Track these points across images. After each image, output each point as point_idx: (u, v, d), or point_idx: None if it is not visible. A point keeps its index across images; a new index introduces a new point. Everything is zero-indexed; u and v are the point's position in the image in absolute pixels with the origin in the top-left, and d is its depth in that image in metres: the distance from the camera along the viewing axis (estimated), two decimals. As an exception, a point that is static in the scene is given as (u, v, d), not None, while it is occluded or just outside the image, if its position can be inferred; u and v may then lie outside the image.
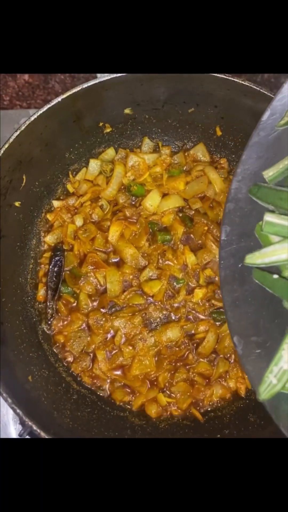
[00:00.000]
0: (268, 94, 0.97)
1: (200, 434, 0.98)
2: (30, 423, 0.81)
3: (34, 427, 0.81)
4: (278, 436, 0.88)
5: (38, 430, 0.81)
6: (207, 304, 1.08)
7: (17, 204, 1.06)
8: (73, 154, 1.14)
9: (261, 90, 0.97)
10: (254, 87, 0.99)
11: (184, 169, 1.16)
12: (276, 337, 0.68)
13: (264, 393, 0.68)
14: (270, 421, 0.94)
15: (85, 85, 0.98)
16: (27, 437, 1.13)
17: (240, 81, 0.99)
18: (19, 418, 1.10)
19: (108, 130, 1.14)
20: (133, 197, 1.14)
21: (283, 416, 0.70)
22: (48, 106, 0.98)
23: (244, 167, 0.73)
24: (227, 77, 1.00)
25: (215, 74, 1.01)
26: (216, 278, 1.10)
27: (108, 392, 1.04)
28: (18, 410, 0.82)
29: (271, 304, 0.70)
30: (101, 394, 1.04)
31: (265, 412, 0.95)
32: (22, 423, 1.13)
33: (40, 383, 0.98)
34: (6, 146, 0.95)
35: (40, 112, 0.97)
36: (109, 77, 0.99)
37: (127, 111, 1.11)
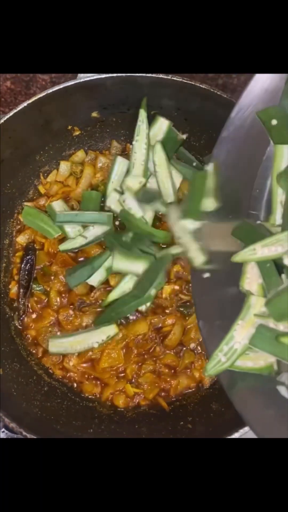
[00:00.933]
0: (225, 96, 1.03)
1: (165, 421, 1.03)
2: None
3: (1, 414, 0.85)
4: (234, 421, 0.93)
5: (4, 417, 0.85)
6: (175, 298, 1.13)
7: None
8: (44, 156, 1.19)
9: (217, 92, 1.02)
10: (212, 90, 1.04)
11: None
12: None
13: (212, 369, 0.73)
14: (230, 408, 0.99)
15: (49, 91, 1.03)
16: (3, 429, 1.18)
17: (198, 84, 1.04)
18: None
19: (77, 133, 1.19)
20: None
21: (236, 393, 0.75)
22: (15, 110, 1.03)
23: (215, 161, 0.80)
24: (186, 81, 1.05)
25: (175, 79, 1.06)
26: (185, 273, 1.15)
27: (78, 384, 1.09)
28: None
29: (237, 291, 0.75)
30: (71, 386, 1.09)
31: (226, 400, 1.01)
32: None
33: (11, 376, 1.03)
34: (-24, 150, 0.99)
35: (7, 116, 1.02)
36: (73, 82, 1.04)
37: (94, 114, 1.16)
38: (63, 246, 1.11)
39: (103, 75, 1.06)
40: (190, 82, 1.05)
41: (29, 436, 0.86)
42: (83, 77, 1.06)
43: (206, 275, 0.80)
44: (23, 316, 1.12)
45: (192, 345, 1.10)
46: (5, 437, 1.16)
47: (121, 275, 1.07)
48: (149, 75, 1.06)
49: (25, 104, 1.03)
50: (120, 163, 1.12)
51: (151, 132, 1.12)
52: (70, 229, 1.11)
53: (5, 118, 1.02)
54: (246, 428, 0.86)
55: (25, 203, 1.18)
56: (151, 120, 1.12)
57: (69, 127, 1.18)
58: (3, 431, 1.18)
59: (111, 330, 1.04)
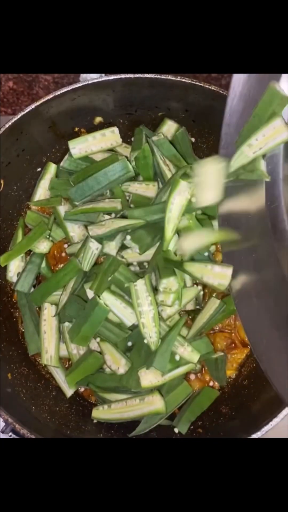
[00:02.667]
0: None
1: (174, 425, 1.02)
2: (6, 416, 0.84)
3: (10, 420, 0.84)
4: (245, 425, 0.92)
5: (14, 423, 0.85)
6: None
7: (-5, 208, 1.10)
8: (50, 158, 1.18)
9: (226, 93, 1.01)
10: (220, 91, 1.03)
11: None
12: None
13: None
14: (240, 411, 0.98)
15: (57, 92, 1.02)
16: (10, 434, 1.17)
17: (207, 86, 1.04)
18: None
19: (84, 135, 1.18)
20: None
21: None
22: (22, 113, 1.02)
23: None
24: (195, 83, 1.05)
25: (184, 80, 1.05)
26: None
27: (85, 388, 1.08)
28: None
29: None
30: (79, 390, 1.08)
31: (236, 403, 1.00)
32: (4, 420, 1.16)
33: (20, 380, 1.02)
34: (-17, 151, 0.99)
35: (15, 119, 1.01)
36: (80, 84, 1.04)
37: (98, 119, 1.16)
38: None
39: (111, 77, 1.05)
40: (199, 84, 1.05)
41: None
42: (90, 79, 1.06)
43: None
44: (31, 319, 1.11)
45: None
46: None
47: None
48: (157, 76, 1.05)
49: (32, 106, 1.02)
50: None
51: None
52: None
53: (12, 121, 1.01)
54: (259, 433, 0.86)
55: (30, 205, 1.16)
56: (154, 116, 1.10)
57: (76, 129, 1.17)
58: (10, 435, 1.18)
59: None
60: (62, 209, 1.11)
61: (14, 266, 1.12)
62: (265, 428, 0.85)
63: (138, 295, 0.98)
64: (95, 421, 1.00)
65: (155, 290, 1.01)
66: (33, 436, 0.85)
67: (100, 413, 1.00)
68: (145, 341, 1.00)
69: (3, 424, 1.17)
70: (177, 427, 1.00)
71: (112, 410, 1.00)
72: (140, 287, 0.97)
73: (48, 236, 1.11)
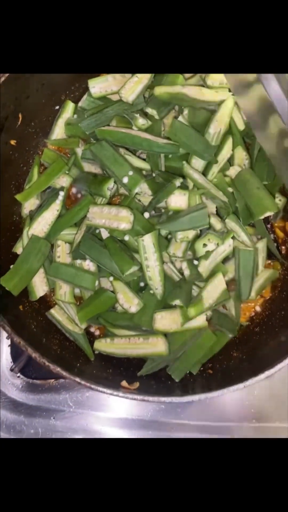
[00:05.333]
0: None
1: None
2: (18, 338, 0.84)
3: (23, 343, 0.84)
4: (254, 367, 0.92)
5: (28, 348, 0.84)
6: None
7: (12, 142, 1.08)
8: (69, 97, 1.15)
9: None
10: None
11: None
12: None
13: None
14: (249, 356, 0.98)
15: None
16: (18, 374, 1.17)
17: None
18: (10, 346, 1.14)
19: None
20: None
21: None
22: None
23: None
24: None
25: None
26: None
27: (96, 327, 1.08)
28: (7, 328, 0.84)
29: None
30: (91, 330, 1.08)
31: (248, 349, 0.99)
32: (13, 357, 1.17)
33: (31, 314, 1.01)
34: (3, 79, 0.96)
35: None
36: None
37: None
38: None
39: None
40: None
41: (51, 366, 0.84)
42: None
43: None
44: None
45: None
46: (20, 382, 1.17)
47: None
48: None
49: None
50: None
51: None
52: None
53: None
54: (262, 375, 0.85)
55: (47, 143, 1.14)
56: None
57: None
58: (18, 376, 1.18)
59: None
60: (80, 151, 1.10)
61: (29, 204, 1.11)
62: (279, 365, 0.85)
63: (146, 250, 0.97)
64: (96, 352, 1.01)
65: (167, 240, 1.01)
66: (45, 361, 0.84)
67: (102, 346, 1.00)
68: (151, 292, 1.00)
69: (11, 363, 1.19)
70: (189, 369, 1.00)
71: (115, 344, 0.99)
72: (148, 242, 0.96)
73: (67, 172, 1.09)
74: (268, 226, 1.13)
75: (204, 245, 0.96)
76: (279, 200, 1.10)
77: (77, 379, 0.82)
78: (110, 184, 1.01)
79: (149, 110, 0.98)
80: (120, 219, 0.96)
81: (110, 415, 1.13)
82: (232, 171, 1.04)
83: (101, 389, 0.82)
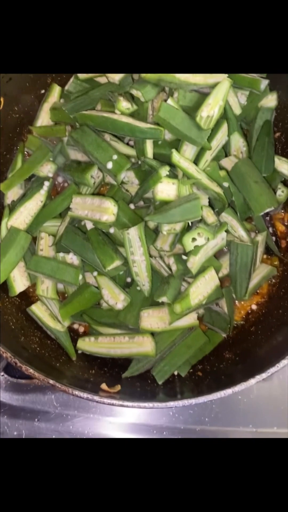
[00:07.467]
0: None
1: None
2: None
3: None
4: (249, 368, 0.85)
5: (1, 349, 0.78)
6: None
7: (-6, 128, 1.02)
8: (56, 80, 1.09)
9: None
10: None
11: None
12: None
13: None
14: (243, 357, 0.91)
15: None
16: (2, 373, 1.12)
17: None
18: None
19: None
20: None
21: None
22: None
23: None
24: None
25: None
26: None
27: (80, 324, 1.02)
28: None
29: None
30: (74, 327, 1.02)
31: (241, 349, 0.93)
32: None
33: (10, 310, 0.96)
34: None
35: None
36: None
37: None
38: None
39: None
40: None
41: (23, 367, 0.78)
42: None
43: None
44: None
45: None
46: (3, 381, 1.11)
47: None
48: None
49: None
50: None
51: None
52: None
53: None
54: (264, 374, 0.78)
55: (32, 130, 1.08)
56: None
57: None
58: (2, 375, 1.12)
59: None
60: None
61: (12, 193, 1.05)
62: (272, 370, 0.77)
63: (131, 243, 0.90)
64: (79, 352, 0.95)
65: (155, 233, 0.94)
66: (17, 361, 0.78)
67: (85, 345, 0.94)
68: (138, 288, 0.93)
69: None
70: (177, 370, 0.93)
71: (99, 343, 0.93)
72: (133, 236, 0.89)
73: (51, 159, 1.02)
74: (267, 218, 1.05)
75: (194, 239, 0.88)
76: (282, 191, 1.02)
77: (51, 381, 0.75)
78: (94, 172, 0.95)
79: (134, 92, 0.91)
80: (103, 211, 0.89)
81: (98, 416, 1.07)
82: (228, 163, 0.97)
83: (76, 393, 0.75)
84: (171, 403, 0.76)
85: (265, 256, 1.03)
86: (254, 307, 1.02)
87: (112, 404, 0.75)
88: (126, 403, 0.75)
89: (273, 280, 1.02)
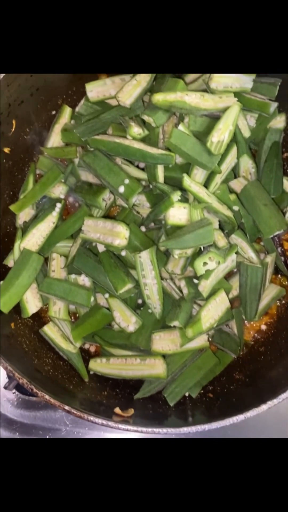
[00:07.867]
0: None
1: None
2: (5, 364, 0.79)
3: (9, 368, 0.79)
4: (260, 392, 0.86)
5: (13, 371, 0.79)
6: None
7: (6, 150, 1.03)
8: (66, 101, 1.10)
9: None
10: None
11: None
12: None
13: None
14: (254, 379, 0.92)
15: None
16: (14, 391, 1.13)
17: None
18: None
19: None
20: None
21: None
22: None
23: None
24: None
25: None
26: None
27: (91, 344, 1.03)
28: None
29: None
30: (85, 347, 1.03)
31: (251, 371, 0.93)
32: (8, 376, 1.13)
33: (23, 331, 0.97)
34: (-6, 85, 0.91)
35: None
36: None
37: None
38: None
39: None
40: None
41: (40, 393, 0.79)
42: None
43: None
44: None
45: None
46: (15, 399, 1.13)
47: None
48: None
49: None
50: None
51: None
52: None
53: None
54: (275, 400, 0.79)
55: (44, 151, 1.09)
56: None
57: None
58: (14, 392, 1.14)
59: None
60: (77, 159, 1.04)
61: (24, 214, 1.06)
62: (283, 395, 0.79)
63: (143, 267, 0.91)
64: (91, 373, 0.96)
65: (166, 256, 0.95)
66: (33, 387, 0.79)
67: (97, 366, 0.95)
68: (149, 311, 0.94)
69: (6, 379, 1.15)
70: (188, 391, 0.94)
71: (111, 364, 0.94)
72: (145, 259, 0.91)
73: (63, 181, 1.03)
74: (275, 238, 1.06)
75: (205, 263, 0.90)
76: (291, 211, 1.04)
77: (66, 408, 0.77)
78: (106, 195, 0.96)
79: (146, 118, 0.92)
80: (115, 235, 0.90)
81: (109, 435, 1.08)
82: (238, 184, 0.98)
83: (92, 418, 0.77)
84: (185, 429, 0.77)
85: (273, 276, 1.04)
86: (263, 327, 1.03)
87: (127, 430, 0.76)
88: (140, 428, 0.76)
89: (283, 301, 1.03)
